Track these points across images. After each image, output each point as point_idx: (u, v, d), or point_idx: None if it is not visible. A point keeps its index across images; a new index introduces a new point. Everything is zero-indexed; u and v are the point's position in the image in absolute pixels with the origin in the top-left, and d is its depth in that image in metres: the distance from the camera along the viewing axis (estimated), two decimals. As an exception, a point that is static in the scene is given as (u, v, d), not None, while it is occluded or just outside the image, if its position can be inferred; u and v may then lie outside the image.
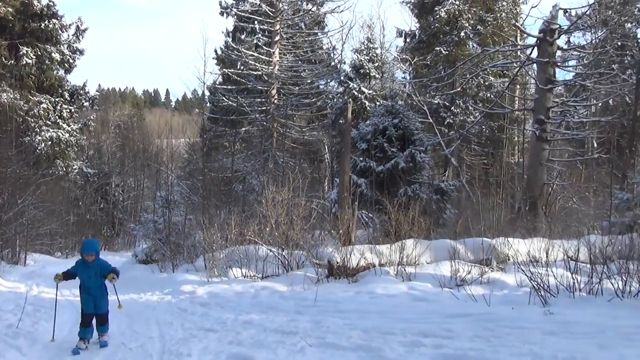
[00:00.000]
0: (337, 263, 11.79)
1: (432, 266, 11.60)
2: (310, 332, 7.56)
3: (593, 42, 28.75)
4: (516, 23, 28.59)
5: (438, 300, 9.36)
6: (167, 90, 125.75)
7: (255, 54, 31.12)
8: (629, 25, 32.07)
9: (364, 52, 30.87)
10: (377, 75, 30.63)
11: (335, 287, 11.12)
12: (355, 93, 28.56)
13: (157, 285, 14.53)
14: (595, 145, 30.24)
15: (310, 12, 34.10)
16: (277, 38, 31.80)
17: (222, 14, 33.79)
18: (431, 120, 26.81)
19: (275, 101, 31.41)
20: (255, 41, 32.19)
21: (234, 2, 33.78)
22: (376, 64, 30.88)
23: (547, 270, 9.51)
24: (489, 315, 7.83)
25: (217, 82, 34.48)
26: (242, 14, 32.45)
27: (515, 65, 26.65)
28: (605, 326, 6.88)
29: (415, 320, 7.86)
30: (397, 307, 8.98)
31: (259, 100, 31.76)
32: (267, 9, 31.32)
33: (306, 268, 12.75)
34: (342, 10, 33.43)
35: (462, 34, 29.38)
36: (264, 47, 31.68)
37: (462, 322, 7.56)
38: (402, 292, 10.06)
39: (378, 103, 26.63)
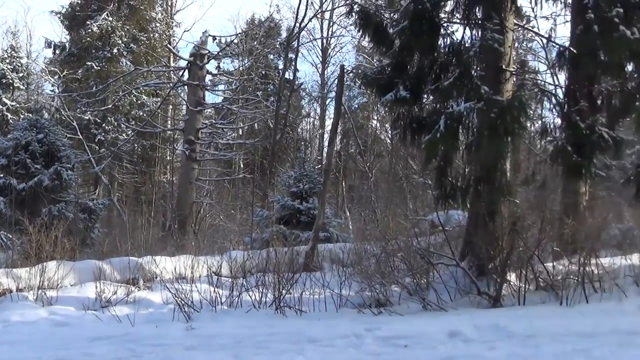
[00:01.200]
0: (-36, 291, 10.59)
1: (76, 288, 11.07)
2: None
3: (240, 69, 30.69)
4: (169, 45, 29.16)
5: (81, 324, 8.97)
6: None
7: None
8: (272, 56, 34.98)
9: (7, 61, 28.56)
10: (21, 87, 28.57)
11: (-38, 318, 9.96)
12: (-4, 104, 26.20)
13: None
14: (242, 165, 32.25)
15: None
16: None
17: None
18: (81, 137, 25.79)
19: None
20: None
21: None
22: (21, 74, 28.78)
23: (191, 286, 9.78)
24: (132, 335, 7.74)
25: None
26: None
27: (167, 85, 27.12)
28: (242, 336, 7.31)
29: (54, 347, 7.42)
30: (35, 335, 8.37)
31: None
32: None
33: None
34: (-21, 14, 30.43)
35: (115, 50, 28.91)
36: None
37: (105, 345, 7.36)
38: (42, 318, 9.41)
39: (22, 116, 24.79)
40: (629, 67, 10.08)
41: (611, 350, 6.02)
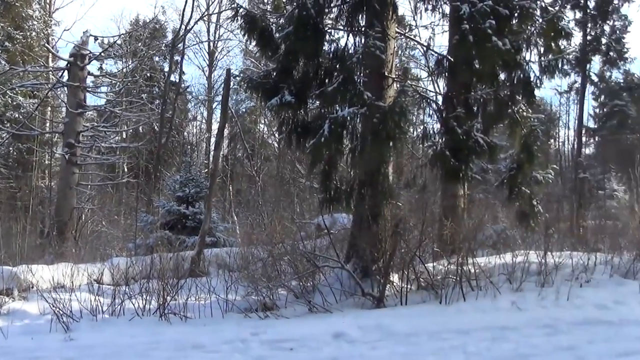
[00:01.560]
0: None
1: (-57, 301, 10.40)
2: None
3: (124, 71, 29.85)
4: (47, 44, 27.92)
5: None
6: None
7: None
8: (157, 58, 34.27)
9: None
10: None
11: None
12: None
13: None
14: (126, 169, 31.35)
15: None
16: None
17: None
18: (-50, 140, 24.28)
19: None
20: None
21: None
22: None
23: (71, 295, 9.40)
24: (5, 348, 7.35)
25: None
26: None
27: (45, 86, 25.93)
28: (124, 345, 7.12)
29: None
30: None
31: None
32: None
33: None
34: None
35: (-12, 48, 27.43)
36: None
37: (-25, 360, 6.97)
38: None
39: None
40: (502, 76, 10.63)
41: (486, 345, 6.34)
